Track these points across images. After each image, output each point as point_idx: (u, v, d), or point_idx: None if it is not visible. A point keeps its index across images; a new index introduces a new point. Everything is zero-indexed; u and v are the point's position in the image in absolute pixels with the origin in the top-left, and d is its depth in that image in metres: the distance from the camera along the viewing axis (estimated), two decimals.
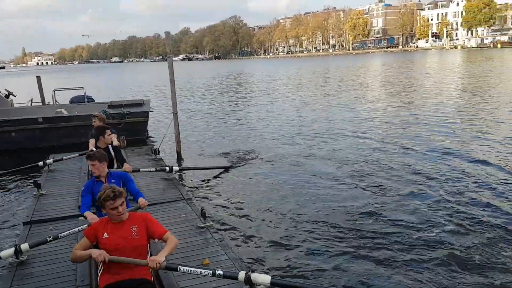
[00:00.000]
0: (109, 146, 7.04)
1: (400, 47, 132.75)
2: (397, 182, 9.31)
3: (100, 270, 3.79)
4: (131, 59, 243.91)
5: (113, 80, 63.56)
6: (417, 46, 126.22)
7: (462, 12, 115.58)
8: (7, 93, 17.47)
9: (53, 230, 6.20)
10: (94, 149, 6.79)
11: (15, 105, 17.67)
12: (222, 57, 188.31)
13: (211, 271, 3.98)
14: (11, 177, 11.03)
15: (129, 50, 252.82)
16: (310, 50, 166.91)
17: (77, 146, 10.89)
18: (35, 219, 6.77)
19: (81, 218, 5.29)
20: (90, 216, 4.75)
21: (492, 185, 8.83)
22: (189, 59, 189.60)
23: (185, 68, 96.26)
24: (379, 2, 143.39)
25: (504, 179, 9.16)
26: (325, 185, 9.41)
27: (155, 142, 15.04)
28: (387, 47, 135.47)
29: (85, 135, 8.25)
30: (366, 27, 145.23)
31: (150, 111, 16.09)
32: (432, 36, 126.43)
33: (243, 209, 8.24)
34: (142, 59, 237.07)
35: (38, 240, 5.43)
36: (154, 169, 8.90)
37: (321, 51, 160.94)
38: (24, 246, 5.27)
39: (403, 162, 10.88)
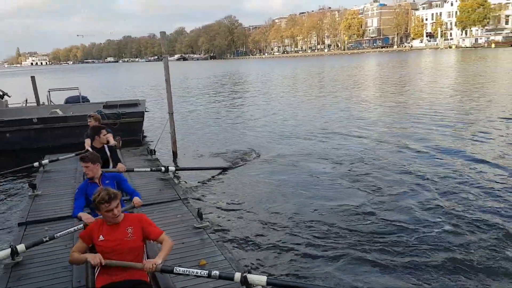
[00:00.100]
0: (105, 146, 7.03)
1: (395, 47, 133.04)
2: (393, 182, 9.34)
3: (96, 271, 3.78)
4: (126, 59, 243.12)
5: (108, 80, 63.38)
6: (411, 46, 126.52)
7: (456, 12, 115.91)
8: (1, 93, 17.40)
9: (48, 230, 6.17)
10: (90, 149, 6.79)
11: (9, 106, 17.62)
12: (218, 57, 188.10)
13: (207, 272, 3.98)
14: (6, 178, 10.97)
15: (124, 50, 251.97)
16: (305, 50, 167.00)
17: (72, 146, 10.85)
18: (31, 220, 6.73)
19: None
20: (85, 216, 4.72)
21: (487, 184, 8.89)
22: (184, 59, 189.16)
23: (181, 68, 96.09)
24: (374, 2, 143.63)
25: (498, 177, 9.23)
26: (321, 185, 9.43)
27: (151, 142, 15.02)
28: (382, 47, 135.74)
29: (80, 135, 8.23)
30: (361, 27, 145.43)
31: (146, 111, 16.06)
32: (426, 36, 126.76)
33: (239, 209, 8.24)
34: (137, 59, 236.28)
35: (34, 241, 5.39)
36: (149, 169, 8.86)
37: (316, 51, 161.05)
38: (20, 247, 5.23)
39: (400, 162, 10.92)
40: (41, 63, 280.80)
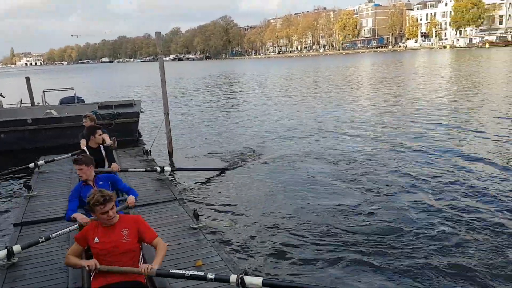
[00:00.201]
0: (101, 146, 7.01)
1: (390, 47, 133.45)
2: (390, 182, 9.35)
3: (92, 272, 3.77)
4: (121, 60, 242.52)
5: (103, 81, 63.16)
6: (406, 46, 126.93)
7: (450, 12, 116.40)
8: None
9: (44, 231, 6.13)
10: (85, 149, 6.77)
11: (4, 106, 17.54)
12: (213, 57, 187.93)
13: (202, 274, 3.98)
14: (1, 180, 10.91)
15: (119, 50, 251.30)
16: (301, 50, 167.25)
17: (67, 147, 10.83)
18: (26, 221, 6.70)
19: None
20: (79, 216, 4.69)
21: (483, 183, 8.93)
22: (180, 59, 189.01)
23: (176, 68, 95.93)
24: (369, 2, 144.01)
25: (493, 176, 9.28)
26: (317, 185, 9.43)
27: (146, 143, 15.00)
28: (377, 47, 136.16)
29: (75, 136, 8.19)
30: (356, 27, 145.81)
31: (141, 112, 16.02)
32: (421, 36, 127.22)
33: (236, 210, 8.23)
34: (132, 59, 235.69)
35: (30, 241, 5.36)
36: (144, 169, 8.83)
37: (311, 51, 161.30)
38: (16, 248, 5.20)
39: (397, 162, 10.95)
40: (36, 63, 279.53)
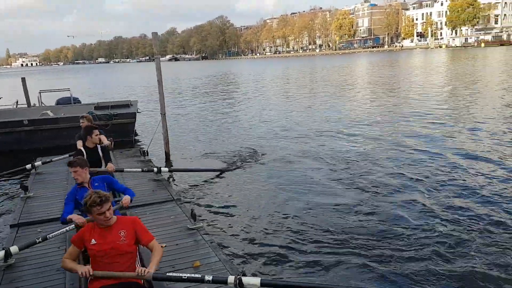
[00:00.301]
0: (98, 146, 7.00)
1: (386, 46, 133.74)
2: (389, 182, 9.36)
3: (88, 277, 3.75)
4: (117, 60, 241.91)
5: (100, 81, 63.01)
6: (402, 46, 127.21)
7: (446, 12, 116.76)
8: None
9: (41, 232, 6.12)
10: (83, 149, 6.75)
11: (0, 107, 17.46)
12: (209, 57, 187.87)
13: (200, 276, 3.98)
14: None
15: (115, 50, 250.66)
16: (297, 50, 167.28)
17: (63, 148, 10.78)
18: (23, 222, 6.68)
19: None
20: (75, 217, 4.66)
21: (481, 183, 8.96)
22: (176, 59, 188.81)
23: (172, 68, 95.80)
24: (365, 2, 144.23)
25: (491, 175, 9.31)
26: (315, 186, 9.43)
27: (143, 143, 14.97)
28: (373, 47, 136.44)
29: (71, 137, 8.15)
30: (352, 27, 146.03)
31: (138, 112, 15.98)
32: (417, 36, 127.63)
33: (233, 210, 8.22)
34: (128, 59, 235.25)
35: (27, 242, 5.33)
36: (140, 169, 8.79)
37: (307, 51, 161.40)
38: (14, 249, 5.18)
39: (396, 161, 10.97)
40: (32, 64, 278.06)
